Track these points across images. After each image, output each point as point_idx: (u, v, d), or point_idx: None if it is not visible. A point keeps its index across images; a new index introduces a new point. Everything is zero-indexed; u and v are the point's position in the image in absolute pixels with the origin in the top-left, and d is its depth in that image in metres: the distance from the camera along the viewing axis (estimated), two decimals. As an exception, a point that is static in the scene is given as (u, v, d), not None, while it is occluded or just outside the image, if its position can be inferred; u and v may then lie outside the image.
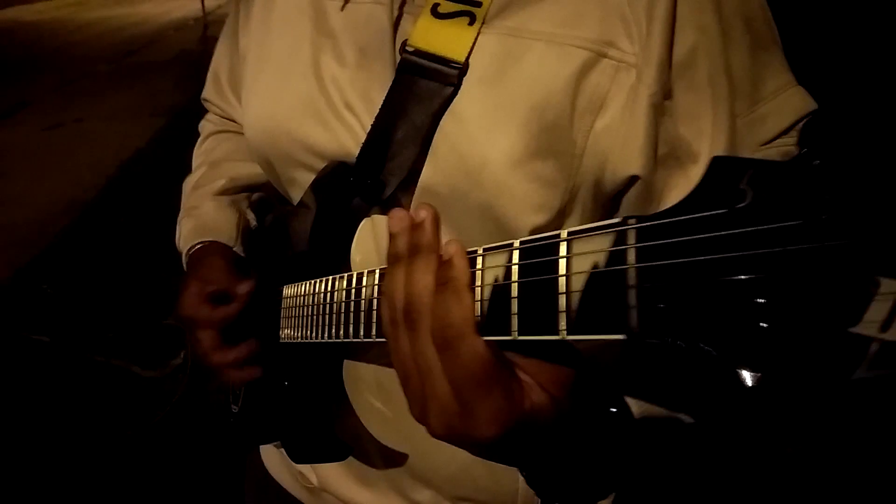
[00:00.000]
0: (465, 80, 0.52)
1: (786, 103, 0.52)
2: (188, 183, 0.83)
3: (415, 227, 0.39)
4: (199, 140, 0.88)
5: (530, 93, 0.51)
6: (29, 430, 2.16)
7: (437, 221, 0.39)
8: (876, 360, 0.17)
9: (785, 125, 0.52)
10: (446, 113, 0.53)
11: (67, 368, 2.48)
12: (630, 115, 0.49)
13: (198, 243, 0.76)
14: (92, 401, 2.30)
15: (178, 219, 0.81)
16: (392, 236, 0.40)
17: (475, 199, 0.53)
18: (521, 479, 0.64)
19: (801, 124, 0.51)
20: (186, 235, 0.78)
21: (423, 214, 0.38)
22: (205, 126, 0.88)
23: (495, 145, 0.52)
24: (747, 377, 0.21)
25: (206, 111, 0.89)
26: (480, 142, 0.52)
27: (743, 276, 0.19)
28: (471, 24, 0.52)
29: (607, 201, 0.54)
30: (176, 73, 6.54)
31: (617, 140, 0.50)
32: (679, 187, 0.52)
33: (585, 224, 0.28)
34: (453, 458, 0.64)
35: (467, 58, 0.52)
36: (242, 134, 0.71)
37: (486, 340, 0.34)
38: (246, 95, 0.69)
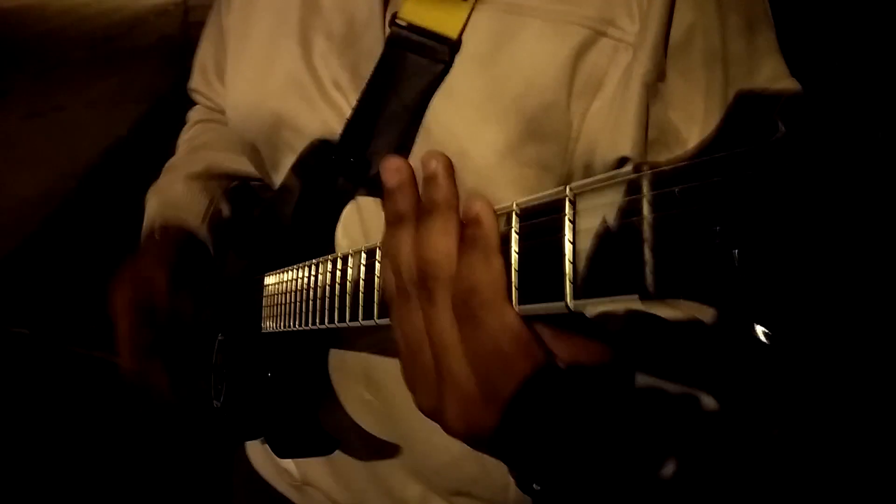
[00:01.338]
0: (458, 57, 0.50)
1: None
2: (166, 165, 0.81)
3: (426, 179, 0.34)
4: (185, 128, 0.86)
5: (526, 72, 0.49)
6: (8, 425, 2.12)
7: (452, 172, 0.34)
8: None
9: None
10: (437, 91, 0.51)
11: (47, 361, 2.43)
12: (622, 94, 0.47)
13: (159, 227, 0.73)
14: (73, 394, 2.26)
15: (146, 197, 0.78)
16: (391, 192, 0.36)
17: (466, 183, 0.50)
18: None
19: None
20: (150, 213, 0.75)
21: (434, 164, 0.34)
22: (192, 115, 0.86)
23: (487, 127, 0.50)
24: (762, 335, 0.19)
25: (191, 100, 0.87)
26: (472, 123, 0.50)
27: (780, 224, 0.17)
28: None
29: None
30: (157, 60, 6.43)
31: (609, 121, 0.48)
32: None
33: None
34: (445, 450, 0.62)
35: (460, 34, 0.50)
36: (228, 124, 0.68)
37: (521, 312, 0.29)
38: (229, 74, 0.66)
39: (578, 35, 0.47)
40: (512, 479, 0.62)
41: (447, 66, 0.50)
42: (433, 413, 0.34)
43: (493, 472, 0.62)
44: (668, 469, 0.37)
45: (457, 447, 0.63)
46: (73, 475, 1.94)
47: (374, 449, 0.65)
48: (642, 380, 0.39)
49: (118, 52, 7.06)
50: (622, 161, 0.49)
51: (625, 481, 0.36)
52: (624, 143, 0.48)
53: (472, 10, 0.50)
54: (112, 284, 0.69)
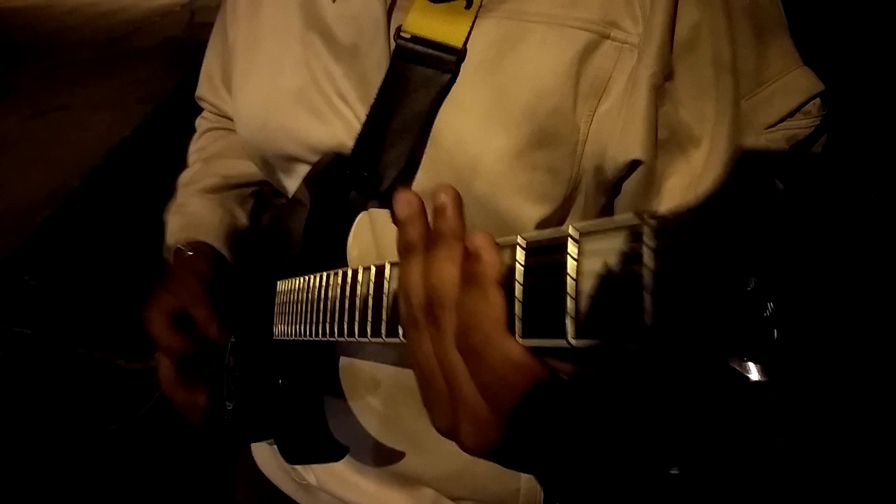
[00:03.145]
0: (464, 66, 0.51)
1: (792, 84, 0.50)
2: (181, 179, 0.82)
3: (436, 211, 0.35)
4: (195, 137, 0.86)
5: (531, 78, 0.49)
6: (10, 425, 2.13)
7: (460, 205, 0.34)
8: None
9: (792, 107, 0.50)
10: (445, 101, 0.51)
11: (50, 362, 2.44)
12: (630, 97, 0.48)
13: (185, 243, 0.74)
14: (75, 395, 2.27)
15: (166, 216, 0.79)
16: (402, 223, 0.36)
17: (476, 191, 0.51)
18: (523, 478, 0.62)
19: (807, 106, 0.50)
20: (173, 232, 0.76)
21: (444, 198, 0.34)
22: (200, 123, 0.87)
23: (495, 134, 0.50)
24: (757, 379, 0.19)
25: (195, 102, 0.87)
26: (480, 131, 0.50)
27: (778, 280, 0.17)
28: (467, 7, 0.51)
29: (609, 188, 0.53)
30: (162, 61, 6.45)
31: (617, 124, 0.48)
32: (680, 173, 0.50)
33: (590, 218, 0.26)
34: (454, 458, 0.62)
35: (465, 43, 0.51)
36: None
37: (524, 344, 0.30)
38: (236, 90, 0.67)
39: (582, 39, 0.48)
40: (521, 487, 0.63)
41: (454, 75, 0.51)
42: (449, 433, 0.35)
43: (504, 479, 0.62)
44: (673, 475, 0.37)
45: (465, 455, 0.64)
46: (75, 475, 1.95)
47: (385, 455, 0.65)
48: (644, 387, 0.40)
49: (123, 53, 7.08)
50: (634, 164, 0.50)
51: (632, 486, 0.37)
52: (634, 145, 0.48)
53: (476, 18, 0.50)
54: (150, 302, 0.69)
